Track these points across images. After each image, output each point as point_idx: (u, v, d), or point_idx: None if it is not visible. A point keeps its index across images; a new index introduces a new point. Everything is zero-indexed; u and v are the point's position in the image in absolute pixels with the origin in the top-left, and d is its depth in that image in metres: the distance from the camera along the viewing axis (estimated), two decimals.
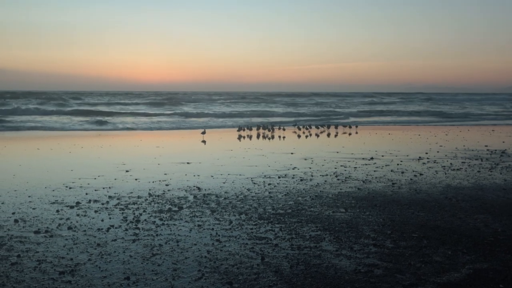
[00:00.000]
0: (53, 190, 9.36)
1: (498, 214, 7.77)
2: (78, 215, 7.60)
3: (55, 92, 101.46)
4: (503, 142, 19.62)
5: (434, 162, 13.38)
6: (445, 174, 11.49)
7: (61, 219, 7.34)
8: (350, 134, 23.31)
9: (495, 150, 16.50)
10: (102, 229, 6.84)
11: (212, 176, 11.01)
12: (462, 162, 13.43)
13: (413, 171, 11.88)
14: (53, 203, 8.36)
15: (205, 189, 9.55)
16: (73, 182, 10.17)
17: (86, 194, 9.10)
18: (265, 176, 11.11)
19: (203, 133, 21.61)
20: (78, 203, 8.36)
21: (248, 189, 9.57)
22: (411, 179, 10.74)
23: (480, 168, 12.43)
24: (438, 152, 15.91)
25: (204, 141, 19.40)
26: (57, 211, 7.81)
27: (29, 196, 8.84)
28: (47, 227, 6.89)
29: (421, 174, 11.37)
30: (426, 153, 15.41)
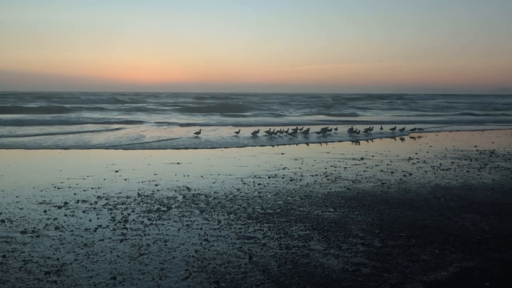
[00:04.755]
0: (41, 191, 9.29)
1: (486, 213, 7.81)
2: (65, 215, 7.54)
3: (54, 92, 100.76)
4: (492, 142, 19.74)
5: (424, 162, 13.43)
6: (434, 174, 11.53)
7: (48, 219, 7.28)
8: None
9: (484, 150, 16.60)
10: (89, 229, 6.80)
11: (202, 176, 10.98)
12: (452, 162, 13.49)
13: (403, 171, 11.91)
14: (41, 203, 8.30)
15: (195, 189, 9.52)
16: (61, 183, 10.10)
17: (75, 194, 9.04)
18: (255, 176, 11.09)
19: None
20: (66, 203, 8.30)
21: (238, 189, 9.56)
22: (400, 179, 10.77)
23: (469, 168, 12.49)
24: (427, 152, 15.97)
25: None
26: (45, 211, 7.75)
27: (16, 197, 8.77)
28: (34, 227, 6.83)
29: (410, 174, 11.40)
30: (416, 154, 15.47)
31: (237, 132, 22.02)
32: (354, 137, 21.75)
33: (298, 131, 22.87)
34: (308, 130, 22.88)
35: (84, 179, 10.56)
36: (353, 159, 14.16)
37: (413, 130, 25.84)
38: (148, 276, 5.11)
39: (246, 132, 22.76)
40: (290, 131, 22.43)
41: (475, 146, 17.92)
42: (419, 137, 22.50)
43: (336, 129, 24.70)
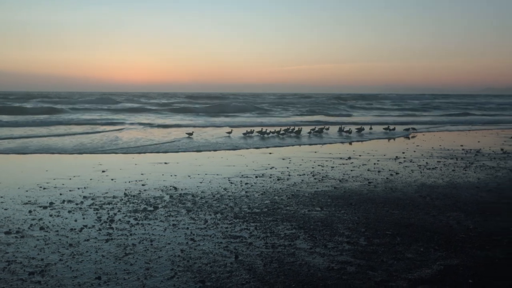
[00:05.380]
0: (27, 191, 9.22)
1: (470, 211, 7.88)
2: (51, 215, 7.49)
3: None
4: (478, 142, 19.93)
5: (410, 162, 13.52)
6: (421, 173, 11.62)
7: (33, 219, 7.23)
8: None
9: (470, 149, 16.75)
10: (75, 229, 6.76)
11: (189, 176, 10.96)
12: (438, 161, 13.60)
13: (390, 170, 11.98)
14: (26, 203, 8.23)
15: (182, 189, 9.50)
16: (47, 183, 10.03)
17: (61, 194, 8.98)
18: (242, 175, 11.09)
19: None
20: (51, 203, 8.24)
21: (225, 189, 9.55)
22: (387, 178, 10.83)
23: (455, 167, 12.60)
24: (414, 151, 16.09)
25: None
26: (30, 211, 7.69)
27: (1, 197, 8.68)
28: (19, 228, 6.77)
29: (397, 173, 11.47)
30: (403, 153, 15.57)
31: (229, 133, 21.96)
32: (346, 137, 21.66)
33: (289, 131, 22.83)
34: (300, 130, 22.87)
35: (70, 179, 10.49)
36: (341, 158, 14.22)
37: (407, 129, 25.96)
38: (133, 276, 5.09)
39: (238, 132, 22.64)
40: (281, 131, 22.44)
41: (461, 145, 18.08)
42: (413, 136, 22.60)
43: (327, 128, 24.79)
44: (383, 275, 5.15)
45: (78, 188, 9.51)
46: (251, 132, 21.80)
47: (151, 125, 29.01)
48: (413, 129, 26.49)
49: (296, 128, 23.26)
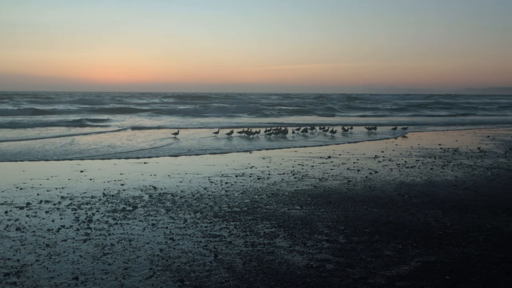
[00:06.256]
0: (3, 191, 9.07)
1: (447, 209, 7.99)
2: (27, 216, 7.38)
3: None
4: (456, 140, 20.21)
5: (390, 160, 13.65)
6: (399, 171, 11.73)
7: (9, 220, 7.11)
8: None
9: (448, 148, 16.98)
10: (52, 229, 6.67)
11: (169, 176, 10.90)
12: (416, 160, 13.75)
13: (369, 169, 12.08)
14: (2, 204, 8.09)
15: (161, 189, 9.45)
16: (24, 183, 9.88)
17: (38, 194, 8.85)
18: (222, 175, 11.07)
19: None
20: (28, 204, 8.12)
21: (205, 188, 9.52)
22: (366, 177, 10.91)
23: (433, 165, 12.75)
24: (393, 150, 16.24)
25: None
26: (6, 212, 7.56)
27: None
28: None
29: (376, 172, 11.57)
30: (382, 152, 15.71)
31: (216, 133, 21.85)
32: (330, 137, 21.60)
33: (276, 131, 22.76)
34: (286, 130, 22.83)
35: (48, 179, 10.36)
36: (321, 157, 14.29)
37: (394, 128, 26.26)
38: (111, 276, 5.05)
39: (223, 132, 22.51)
40: (267, 131, 22.44)
41: (440, 144, 18.31)
42: (405, 137, 22.73)
43: (312, 129, 24.89)
44: (362, 272, 5.19)
45: (56, 188, 9.39)
46: (231, 132, 21.73)
47: (133, 128, 28.49)
48: (404, 128, 26.79)
49: (283, 128, 23.28)
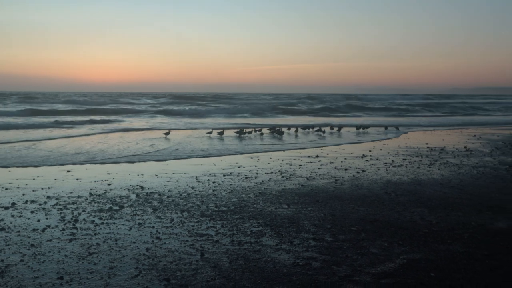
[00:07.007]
0: None
1: (433, 207, 8.05)
2: (13, 216, 7.31)
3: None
4: (443, 140, 20.37)
5: (377, 159, 13.72)
6: (387, 170, 11.80)
7: None
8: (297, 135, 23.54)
9: (435, 147, 17.11)
10: (37, 229, 6.61)
11: (156, 175, 10.86)
12: (403, 159, 13.83)
13: (356, 168, 12.13)
14: None
15: (148, 188, 9.41)
16: (9, 183, 9.79)
17: (23, 194, 8.78)
18: (210, 174, 11.06)
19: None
20: (13, 204, 8.05)
21: (192, 187, 9.51)
22: (353, 176, 10.96)
23: (420, 164, 12.84)
24: (381, 149, 16.33)
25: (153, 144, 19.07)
26: None
27: None
28: None
29: (363, 171, 11.63)
30: (370, 151, 15.79)
31: (210, 133, 21.79)
32: (319, 137, 21.63)
33: (273, 131, 22.76)
34: (281, 130, 22.78)
35: (34, 179, 10.27)
36: (308, 156, 14.33)
37: (386, 128, 26.46)
38: (96, 275, 5.02)
39: (215, 132, 22.45)
40: (263, 131, 22.48)
41: (427, 144, 18.45)
42: (396, 137, 22.86)
43: (304, 128, 25.02)
44: (348, 270, 5.21)
45: (42, 188, 9.32)
46: (222, 132, 21.70)
47: (124, 130, 28.21)
48: (396, 128, 26.97)
49: (277, 128, 23.27)
